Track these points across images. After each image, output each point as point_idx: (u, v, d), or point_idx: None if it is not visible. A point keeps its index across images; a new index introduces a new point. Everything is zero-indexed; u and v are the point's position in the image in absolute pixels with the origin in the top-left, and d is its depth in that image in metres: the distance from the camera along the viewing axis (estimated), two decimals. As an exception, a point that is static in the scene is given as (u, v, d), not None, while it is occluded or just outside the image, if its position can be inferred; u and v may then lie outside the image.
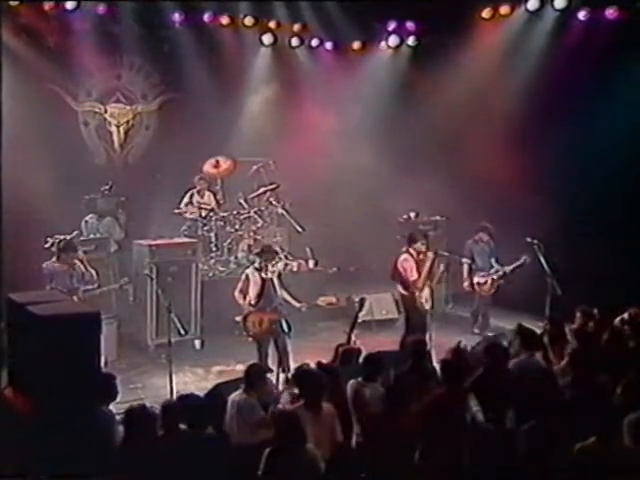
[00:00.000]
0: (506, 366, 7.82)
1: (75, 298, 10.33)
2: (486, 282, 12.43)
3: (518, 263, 11.99)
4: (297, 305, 10.44)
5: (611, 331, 8.57)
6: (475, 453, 6.30)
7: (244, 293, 10.38)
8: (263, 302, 10.28)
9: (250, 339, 10.46)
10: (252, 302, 10.29)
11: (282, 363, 10.02)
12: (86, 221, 12.61)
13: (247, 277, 10.38)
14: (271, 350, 10.31)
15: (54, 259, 10.64)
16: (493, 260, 12.47)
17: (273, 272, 10.41)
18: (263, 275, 10.31)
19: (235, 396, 7.39)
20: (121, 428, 6.76)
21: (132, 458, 6.34)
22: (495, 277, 12.38)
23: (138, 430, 6.48)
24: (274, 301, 10.31)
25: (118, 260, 12.43)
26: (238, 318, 12.03)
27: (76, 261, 10.72)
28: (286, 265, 12.84)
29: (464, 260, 12.54)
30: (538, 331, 8.74)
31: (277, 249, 11.47)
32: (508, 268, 12.22)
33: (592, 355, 7.75)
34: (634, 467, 6.02)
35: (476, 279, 12.53)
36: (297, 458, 6.15)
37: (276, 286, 10.35)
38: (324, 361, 8.10)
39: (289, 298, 10.43)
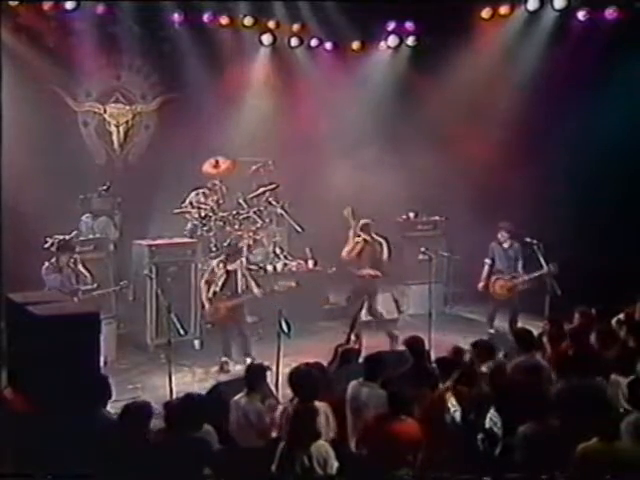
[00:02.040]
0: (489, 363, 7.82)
1: (75, 300, 10.35)
2: (501, 286, 12.02)
3: (542, 272, 11.51)
4: (255, 291, 11.02)
5: (605, 331, 8.55)
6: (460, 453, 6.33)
7: (209, 284, 11.04)
8: (225, 291, 10.97)
9: (209, 325, 11.41)
10: (216, 291, 10.97)
11: (246, 348, 11.00)
12: (82, 221, 12.61)
13: (212, 269, 11.11)
14: (269, 350, 10.26)
15: (53, 260, 10.62)
16: (519, 264, 11.97)
17: (237, 264, 11.09)
18: (228, 267, 10.99)
19: (239, 399, 7.36)
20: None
21: (130, 455, 6.33)
22: (513, 283, 11.94)
23: (135, 426, 6.46)
24: (234, 289, 10.96)
25: (114, 260, 12.41)
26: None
27: (71, 262, 10.71)
28: (285, 265, 12.85)
29: (485, 261, 12.19)
30: (535, 331, 8.74)
31: (242, 248, 12.22)
32: (528, 276, 11.75)
33: (587, 355, 7.74)
34: (635, 467, 6.04)
35: (493, 282, 12.12)
36: (312, 453, 6.19)
37: (238, 276, 10.98)
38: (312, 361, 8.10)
39: (252, 285, 11.07)
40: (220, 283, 10.96)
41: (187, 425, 6.42)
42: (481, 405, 6.81)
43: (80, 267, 10.75)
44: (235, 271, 11.04)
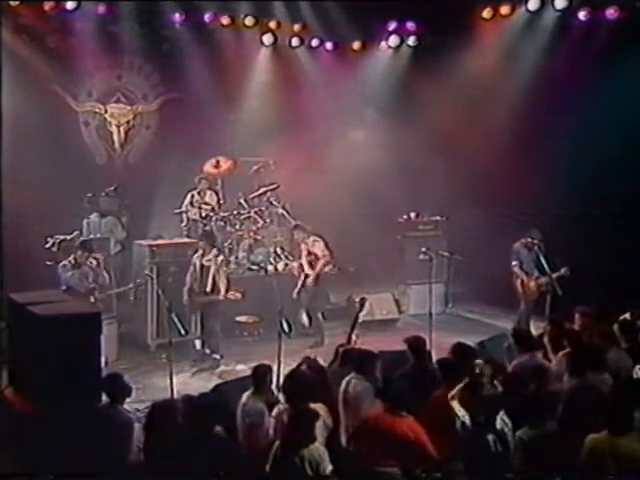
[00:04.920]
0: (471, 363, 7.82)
1: (92, 299, 10.45)
2: (534, 285, 11.87)
3: (560, 274, 11.44)
4: (221, 294, 11.15)
5: (606, 331, 8.54)
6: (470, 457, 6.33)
7: (191, 277, 11.20)
8: (200, 285, 11.12)
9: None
10: (195, 284, 11.12)
11: (215, 346, 11.23)
12: (89, 220, 12.64)
13: (194, 263, 11.26)
14: (271, 351, 10.28)
15: (70, 258, 10.64)
16: (536, 265, 11.84)
17: (209, 260, 11.16)
18: (203, 261, 11.16)
19: (244, 398, 7.37)
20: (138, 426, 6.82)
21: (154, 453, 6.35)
22: (541, 282, 11.79)
23: (161, 425, 6.47)
24: (204, 287, 11.11)
25: (122, 260, 12.44)
26: (238, 318, 12.15)
27: (93, 261, 10.74)
28: (286, 265, 12.85)
29: (514, 263, 11.98)
30: (536, 331, 8.74)
31: (213, 233, 12.34)
32: (553, 275, 11.52)
33: (586, 355, 7.75)
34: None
35: (525, 282, 11.97)
36: (304, 456, 6.20)
37: (210, 273, 11.08)
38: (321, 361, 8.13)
39: (220, 287, 11.15)
40: (197, 277, 11.13)
41: (208, 423, 6.43)
42: (491, 407, 6.79)
43: (101, 266, 10.77)
44: (208, 268, 11.12)
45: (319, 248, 12.10)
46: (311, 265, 12.07)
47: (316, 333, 12.04)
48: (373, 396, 7.14)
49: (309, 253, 12.10)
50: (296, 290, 12.00)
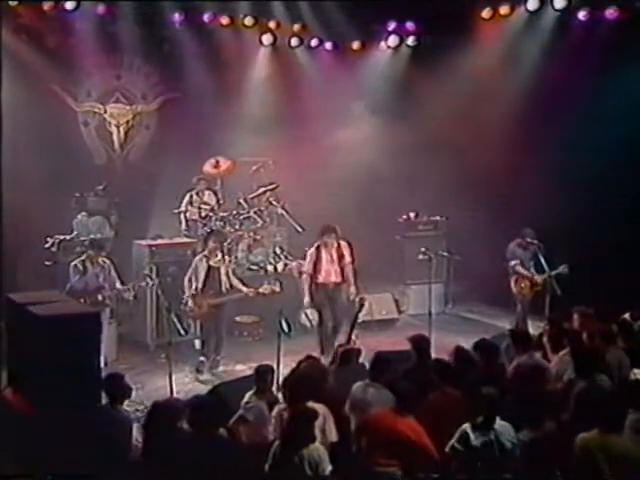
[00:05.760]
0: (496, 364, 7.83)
1: (100, 297, 10.46)
2: (526, 285, 11.88)
3: (558, 271, 11.47)
4: (245, 290, 10.92)
5: (605, 331, 8.55)
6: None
7: (192, 280, 10.86)
8: (207, 288, 10.80)
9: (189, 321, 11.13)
10: (198, 287, 10.79)
11: (217, 348, 11.00)
12: (77, 220, 12.64)
13: (196, 265, 10.90)
14: (271, 351, 10.28)
15: (84, 257, 10.65)
16: (532, 264, 11.90)
17: (219, 261, 10.93)
18: (211, 263, 10.85)
19: (247, 398, 7.37)
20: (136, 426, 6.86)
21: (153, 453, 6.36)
22: (536, 281, 11.77)
23: (161, 424, 6.47)
24: (218, 287, 10.82)
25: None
26: (238, 318, 12.15)
27: (106, 260, 10.73)
28: (285, 265, 12.85)
29: (512, 263, 11.96)
30: (535, 331, 8.75)
31: (225, 232, 12.17)
32: (551, 273, 11.52)
33: (586, 355, 7.75)
34: (630, 461, 6.11)
35: (518, 282, 11.96)
36: (304, 455, 6.21)
37: (222, 273, 10.85)
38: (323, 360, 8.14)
39: (239, 285, 10.95)
40: (202, 279, 10.79)
41: (207, 423, 6.44)
42: (491, 407, 6.80)
43: (112, 267, 10.77)
44: (218, 268, 10.87)
45: (349, 254, 11.36)
46: (342, 273, 11.28)
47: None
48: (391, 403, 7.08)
49: (340, 258, 11.32)
50: (307, 297, 11.24)
